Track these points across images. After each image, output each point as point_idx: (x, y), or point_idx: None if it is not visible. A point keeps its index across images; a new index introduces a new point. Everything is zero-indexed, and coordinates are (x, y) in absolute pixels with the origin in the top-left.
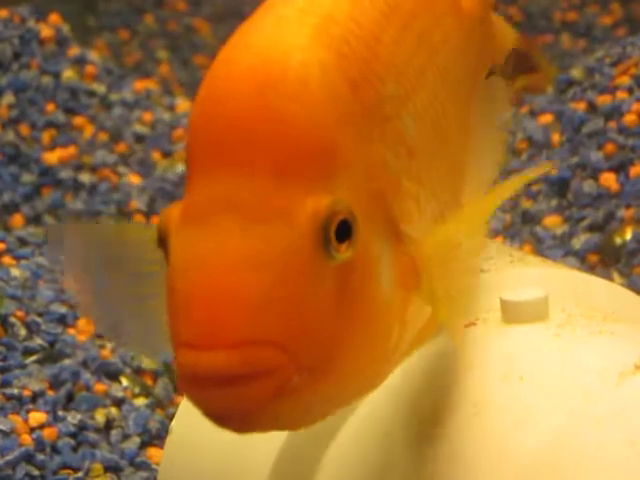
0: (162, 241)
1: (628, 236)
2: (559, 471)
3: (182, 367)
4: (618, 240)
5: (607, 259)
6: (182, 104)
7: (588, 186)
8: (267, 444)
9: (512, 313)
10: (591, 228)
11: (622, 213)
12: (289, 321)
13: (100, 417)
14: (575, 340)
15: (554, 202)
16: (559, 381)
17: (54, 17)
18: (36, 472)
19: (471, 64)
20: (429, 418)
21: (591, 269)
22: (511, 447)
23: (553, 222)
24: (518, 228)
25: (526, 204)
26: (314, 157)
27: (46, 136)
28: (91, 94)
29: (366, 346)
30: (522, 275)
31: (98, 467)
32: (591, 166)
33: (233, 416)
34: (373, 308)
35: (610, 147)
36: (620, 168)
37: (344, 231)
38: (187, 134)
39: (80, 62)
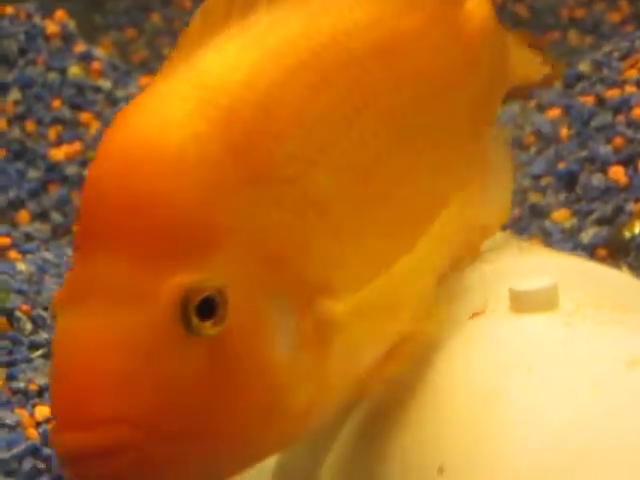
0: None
1: (637, 230)
2: (569, 462)
3: (52, 441)
4: (627, 234)
5: (616, 253)
6: None
7: (597, 180)
8: None
9: (521, 302)
10: (600, 222)
11: (631, 207)
12: (145, 398)
13: None
14: (584, 330)
15: (562, 196)
16: (568, 371)
17: (60, 14)
18: (42, 465)
19: (476, 90)
20: (436, 410)
21: (600, 263)
22: (520, 438)
23: (562, 216)
24: (527, 222)
25: (534, 198)
26: (180, 235)
27: (52, 132)
28: (97, 90)
29: (253, 412)
30: (531, 265)
31: None
32: (600, 160)
33: None
34: (258, 376)
35: (619, 141)
36: (629, 161)
37: (210, 308)
38: (78, 216)
39: (86, 58)
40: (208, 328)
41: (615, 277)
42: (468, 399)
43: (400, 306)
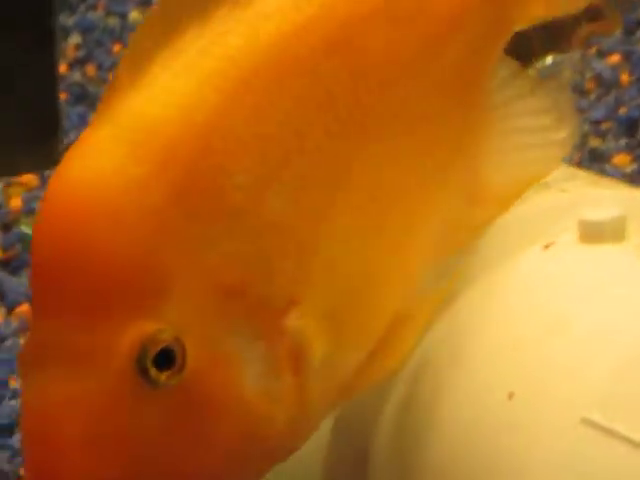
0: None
1: None
2: None
3: None
4: None
5: None
6: None
7: None
8: None
9: (590, 233)
10: None
11: None
12: (114, 458)
13: None
14: None
15: (623, 141)
16: (634, 299)
17: None
18: None
19: (454, 58)
20: (507, 337)
21: None
22: (592, 361)
23: (622, 161)
24: (587, 166)
25: (594, 142)
26: (128, 287)
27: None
28: None
29: (232, 450)
30: (599, 196)
31: None
32: None
33: None
34: (230, 414)
35: None
36: None
37: (168, 358)
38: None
39: (146, 3)
40: (168, 378)
41: None
42: (539, 325)
43: (378, 300)
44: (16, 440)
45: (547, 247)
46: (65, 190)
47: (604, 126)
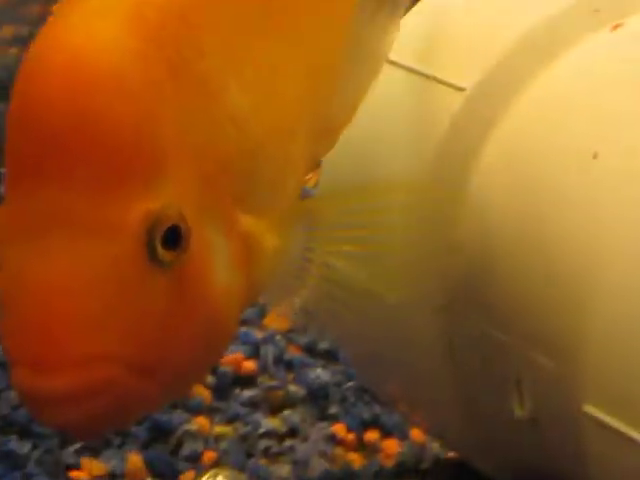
0: None
1: None
2: None
3: (21, 388)
4: None
5: None
6: None
7: None
8: None
9: None
10: None
11: None
12: (122, 332)
13: None
14: None
15: None
16: None
17: None
18: None
19: None
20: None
21: None
22: None
23: None
24: None
25: None
26: (137, 158)
27: None
28: None
29: (206, 336)
30: None
31: None
32: None
33: (79, 430)
34: (212, 300)
35: None
36: None
37: (174, 237)
38: (5, 137)
39: None
40: (173, 258)
41: None
42: (621, 89)
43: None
44: None
45: (615, 28)
46: (68, 49)
47: None
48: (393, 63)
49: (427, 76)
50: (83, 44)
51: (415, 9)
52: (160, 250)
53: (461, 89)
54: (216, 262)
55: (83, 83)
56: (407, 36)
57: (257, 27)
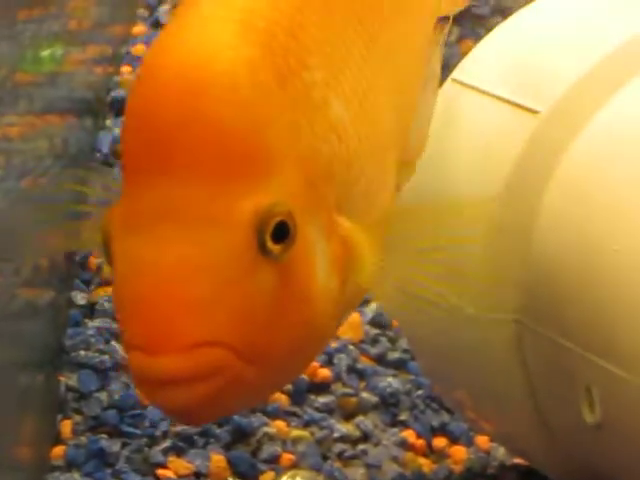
0: (105, 244)
1: None
2: None
3: (135, 370)
4: None
5: None
6: None
7: None
8: None
9: None
10: None
11: None
12: (233, 320)
13: None
14: None
15: None
16: None
17: None
18: None
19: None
20: None
21: None
22: None
23: None
24: None
25: None
26: (250, 158)
27: None
28: None
29: (306, 330)
30: None
31: None
32: None
33: (188, 413)
34: (313, 295)
35: None
36: None
37: (282, 231)
38: (122, 137)
39: None
40: (281, 251)
41: None
42: None
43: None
44: None
45: None
46: (184, 54)
47: None
48: (469, 86)
49: (502, 99)
50: (199, 49)
51: (487, 38)
52: (269, 243)
53: (536, 112)
54: (318, 260)
55: (200, 85)
56: (482, 59)
57: (355, 44)
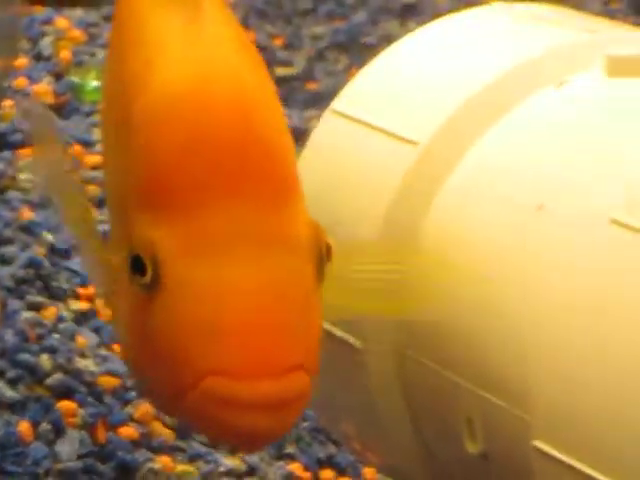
0: (140, 269)
1: None
2: None
3: (216, 395)
4: None
5: None
6: None
7: None
8: None
9: (615, 67)
10: None
11: None
12: (307, 342)
13: None
14: None
15: (632, 19)
16: None
17: None
18: None
19: None
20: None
21: None
22: (609, 171)
23: None
24: None
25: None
26: (294, 177)
27: None
28: None
29: None
30: (623, 37)
31: None
32: None
33: (261, 436)
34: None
35: None
36: None
37: (328, 253)
38: (164, 166)
39: None
40: (327, 269)
41: None
42: (564, 144)
43: None
44: None
45: (563, 84)
46: (209, 77)
47: (613, 5)
48: (348, 117)
49: (381, 130)
50: (231, 74)
51: (367, 67)
52: (325, 263)
53: (415, 143)
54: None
55: (247, 109)
56: (362, 89)
57: None
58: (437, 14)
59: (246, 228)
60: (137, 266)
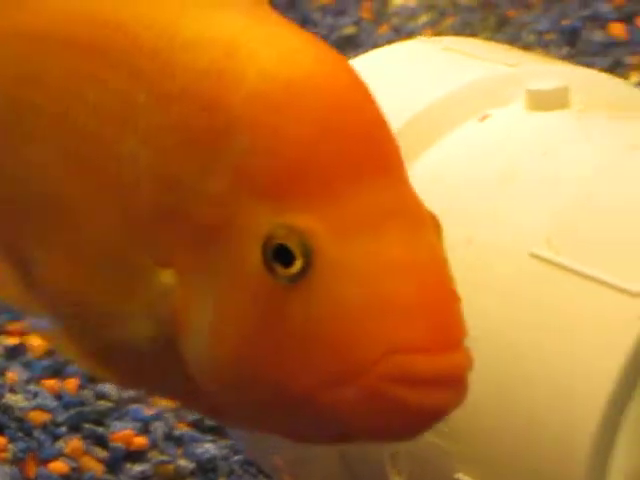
0: (288, 257)
1: (633, 80)
2: (576, 225)
3: (400, 372)
4: None
5: None
6: None
7: (598, 35)
8: None
9: (536, 101)
10: None
11: (629, 60)
12: (461, 313)
13: None
14: (594, 123)
15: (565, 50)
16: (576, 155)
17: None
18: None
19: None
20: (461, 190)
21: None
22: (535, 207)
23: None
24: None
25: (538, 52)
26: (399, 154)
27: None
28: None
29: None
30: (544, 70)
31: None
32: (601, 17)
33: (435, 417)
34: None
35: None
36: (628, 18)
37: None
38: (292, 155)
39: None
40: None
41: (627, 87)
42: (489, 178)
43: None
44: None
45: (486, 117)
46: (333, 74)
47: (547, 37)
48: None
49: None
50: (332, 64)
51: None
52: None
53: None
54: None
55: (359, 90)
56: None
57: None
58: (376, 46)
59: (387, 207)
60: (279, 257)
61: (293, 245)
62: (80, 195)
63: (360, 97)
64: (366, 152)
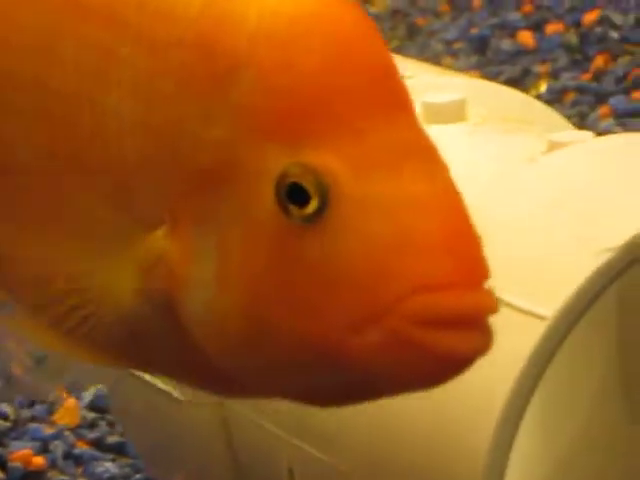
0: (303, 196)
1: (543, 89)
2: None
3: (428, 310)
4: (533, 92)
5: None
6: None
7: (506, 44)
8: None
9: (432, 113)
10: (508, 82)
11: (537, 68)
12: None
13: None
14: (489, 136)
15: (474, 59)
16: (471, 168)
17: None
18: None
19: None
20: None
21: None
22: None
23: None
24: None
25: (448, 61)
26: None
27: None
28: None
29: None
30: (442, 83)
31: None
32: (510, 25)
33: (462, 361)
34: None
35: (528, 7)
36: (537, 27)
37: None
38: (304, 92)
39: None
40: None
41: (524, 98)
42: None
43: None
44: None
45: None
46: (345, 20)
47: (456, 46)
48: None
49: None
50: (340, 9)
51: None
52: None
53: None
54: None
55: (365, 26)
56: None
57: None
58: None
59: (403, 142)
60: (294, 197)
61: (308, 184)
62: (60, 161)
63: (368, 32)
64: (379, 87)
